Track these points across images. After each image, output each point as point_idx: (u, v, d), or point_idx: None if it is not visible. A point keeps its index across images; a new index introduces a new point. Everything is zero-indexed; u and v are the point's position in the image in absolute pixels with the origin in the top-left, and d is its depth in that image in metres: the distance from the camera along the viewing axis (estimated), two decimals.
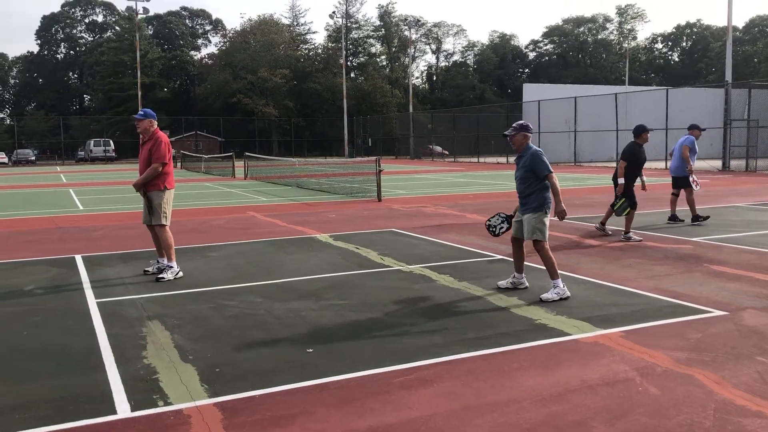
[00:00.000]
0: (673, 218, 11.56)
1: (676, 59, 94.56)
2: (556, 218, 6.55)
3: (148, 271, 7.77)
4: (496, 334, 5.19)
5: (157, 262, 7.78)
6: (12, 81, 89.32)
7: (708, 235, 10.11)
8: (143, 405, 3.91)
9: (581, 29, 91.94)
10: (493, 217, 7.05)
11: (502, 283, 6.75)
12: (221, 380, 4.30)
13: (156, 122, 7.70)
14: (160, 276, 7.33)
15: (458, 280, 7.14)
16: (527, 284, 6.70)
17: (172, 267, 7.46)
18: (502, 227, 6.93)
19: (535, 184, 6.39)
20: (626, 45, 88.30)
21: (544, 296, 6.20)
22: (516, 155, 6.71)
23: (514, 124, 6.66)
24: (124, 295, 6.76)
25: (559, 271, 6.37)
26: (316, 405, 3.88)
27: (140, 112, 7.66)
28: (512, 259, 6.83)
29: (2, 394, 4.12)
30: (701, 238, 9.74)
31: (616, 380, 4.18)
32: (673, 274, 7.32)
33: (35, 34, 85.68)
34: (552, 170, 6.41)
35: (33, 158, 58.93)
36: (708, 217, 11.55)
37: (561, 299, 6.17)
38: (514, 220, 6.73)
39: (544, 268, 6.42)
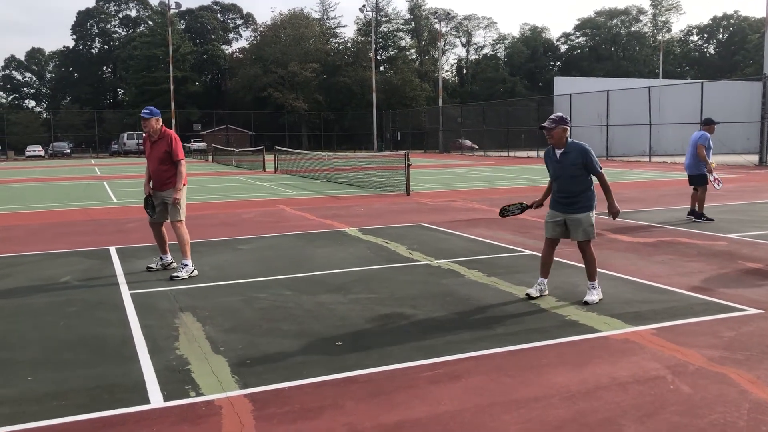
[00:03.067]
0: (692, 212, 11.24)
1: (712, 52, 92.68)
2: (609, 218, 6.29)
3: (151, 267, 7.67)
4: (524, 330, 5.16)
5: (161, 259, 7.75)
6: (48, 75, 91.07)
7: (743, 231, 9.92)
8: (175, 395, 3.98)
9: (614, 21, 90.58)
10: (514, 204, 6.77)
11: (533, 292, 6.23)
12: (252, 372, 4.35)
13: (161, 119, 7.51)
14: (175, 275, 7.20)
15: (487, 275, 7.11)
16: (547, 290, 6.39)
17: (187, 265, 7.29)
18: (513, 212, 6.72)
19: (585, 182, 5.97)
20: (660, 37, 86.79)
21: (589, 299, 5.92)
22: (548, 150, 6.15)
23: (552, 116, 6.01)
24: (157, 287, 6.87)
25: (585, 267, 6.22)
26: (345, 398, 3.90)
27: (145, 111, 7.37)
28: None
29: (40, 382, 4.23)
30: (736, 235, 9.56)
31: (647, 378, 4.13)
32: (706, 271, 7.20)
33: (71, 29, 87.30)
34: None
35: (68, 151, 60.11)
36: (712, 220, 10.92)
37: (600, 300, 5.98)
38: (551, 220, 6.20)
39: (584, 266, 6.10)
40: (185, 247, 7.33)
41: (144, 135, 7.61)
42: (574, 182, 5.98)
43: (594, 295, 5.99)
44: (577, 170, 5.94)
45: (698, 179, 11.18)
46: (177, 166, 7.42)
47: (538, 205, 6.46)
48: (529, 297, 6.18)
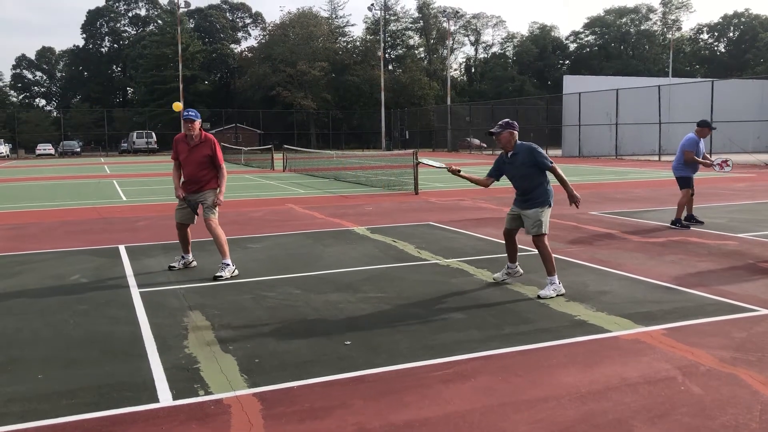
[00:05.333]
0: (689, 218, 10.54)
1: (723, 50, 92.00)
2: (573, 206, 6.44)
3: (174, 267, 7.70)
4: (534, 330, 5.14)
5: (182, 258, 7.78)
6: (59, 74, 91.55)
7: (754, 230, 9.85)
8: (184, 394, 3.99)
9: (623, 20, 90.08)
10: (428, 159, 7.05)
11: (498, 276, 6.75)
12: (260, 371, 4.35)
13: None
14: (218, 274, 7.16)
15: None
16: (521, 271, 6.74)
17: (228, 264, 7.27)
18: (430, 164, 6.95)
19: (538, 179, 6.30)
20: (670, 36, 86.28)
21: (542, 293, 6.11)
22: (502, 154, 6.53)
23: (500, 122, 6.50)
24: (166, 285, 6.89)
25: (594, 266, 6.30)
26: (353, 397, 3.90)
27: (192, 112, 7.35)
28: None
29: (50, 380, 4.25)
30: (747, 234, 9.50)
31: (658, 379, 4.10)
32: (717, 271, 7.15)
33: (81, 28, 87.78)
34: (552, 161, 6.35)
35: (78, 150, 60.40)
36: (687, 227, 10.21)
37: (558, 295, 6.10)
38: (510, 213, 6.58)
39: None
40: (224, 247, 7.32)
41: (177, 137, 7.61)
42: (526, 180, 6.35)
43: (549, 290, 6.14)
44: (527, 169, 6.30)
45: (680, 181, 10.50)
46: (219, 170, 7.47)
47: (456, 171, 6.64)
48: (495, 281, 6.66)
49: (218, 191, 7.45)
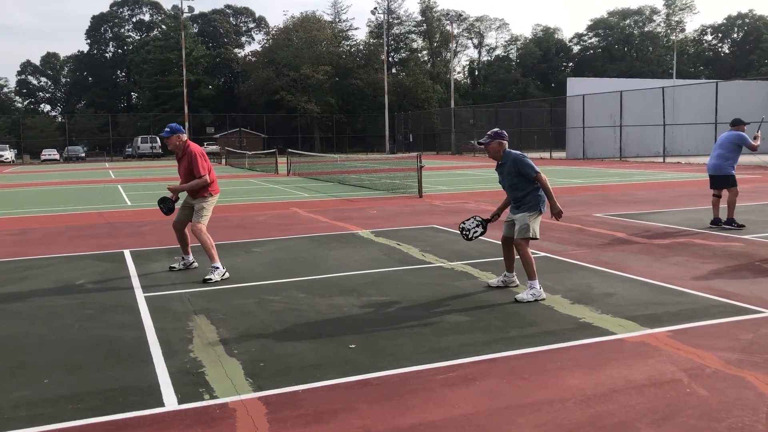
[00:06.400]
0: (716, 222, 10.45)
1: (727, 51, 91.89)
2: (553, 218, 6.35)
3: (174, 267, 7.80)
4: (539, 333, 5.14)
5: (183, 259, 7.86)
6: (63, 80, 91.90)
7: (759, 232, 9.82)
8: (190, 398, 3.99)
9: (627, 21, 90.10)
10: (468, 219, 6.85)
11: (493, 282, 6.71)
12: (265, 375, 4.36)
13: (185, 135, 7.58)
14: (207, 277, 7.19)
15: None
16: (518, 282, 6.63)
17: (218, 268, 7.30)
18: (476, 231, 6.76)
19: (527, 187, 6.26)
20: (674, 37, 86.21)
21: (519, 297, 6.09)
22: (498, 163, 6.54)
23: (488, 132, 6.49)
24: (171, 290, 6.90)
25: (599, 269, 6.28)
26: (358, 401, 3.90)
27: (165, 130, 7.50)
28: (502, 258, 6.67)
29: (56, 385, 4.26)
30: (752, 236, 9.47)
31: (663, 381, 4.09)
32: (722, 273, 7.13)
33: (85, 34, 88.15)
34: (539, 170, 6.27)
35: (83, 155, 60.61)
36: (743, 226, 10.14)
37: (536, 300, 6.04)
38: (504, 220, 6.59)
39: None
40: (210, 251, 7.35)
41: None
42: (514, 189, 6.36)
43: (527, 294, 6.10)
44: (514, 178, 6.32)
45: (725, 180, 10.46)
46: (198, 179, 7.49)
47: (495, 216, 6.74)
48: (489, 287, 6.61)
49: (177, 187, 7.51)
